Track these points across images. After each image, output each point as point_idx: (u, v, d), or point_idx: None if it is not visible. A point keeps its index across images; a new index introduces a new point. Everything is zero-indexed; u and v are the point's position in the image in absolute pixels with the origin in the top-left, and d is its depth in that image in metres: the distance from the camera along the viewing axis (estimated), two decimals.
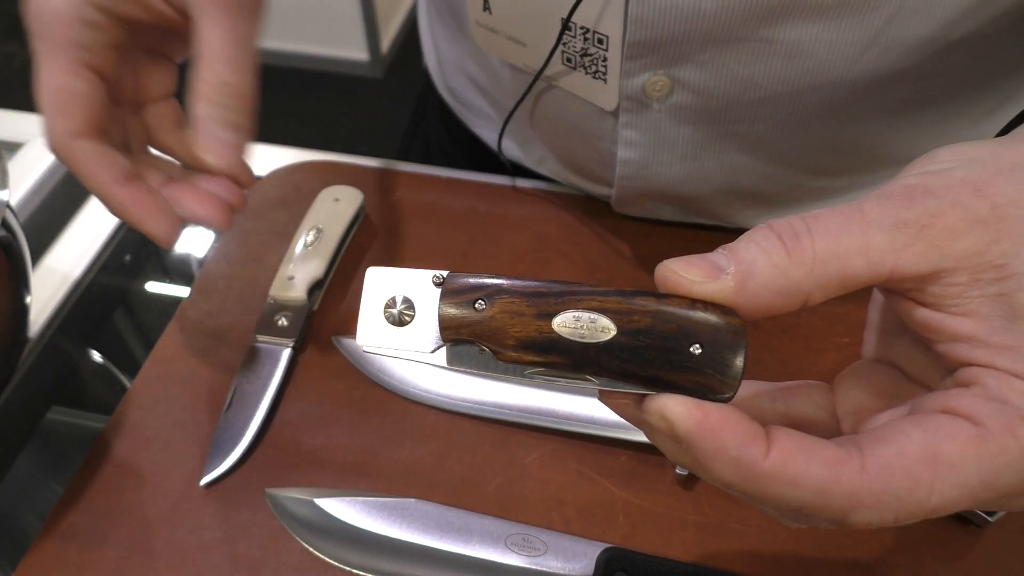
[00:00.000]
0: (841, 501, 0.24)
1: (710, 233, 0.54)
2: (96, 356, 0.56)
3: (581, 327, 0.25)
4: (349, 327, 0.51)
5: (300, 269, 0.51)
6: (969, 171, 0.26)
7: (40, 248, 0.56)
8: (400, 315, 0.27)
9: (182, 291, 0.58)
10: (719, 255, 0.25)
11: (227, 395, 0.47)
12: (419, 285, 0.27)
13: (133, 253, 0.58)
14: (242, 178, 0.40)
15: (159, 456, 0.45)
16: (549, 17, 0.45)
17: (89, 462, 0.45)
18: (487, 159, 0.61)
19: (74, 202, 0.59)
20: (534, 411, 0.45)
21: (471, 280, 0.27)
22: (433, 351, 0.27)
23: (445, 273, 0.27)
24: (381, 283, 0.28)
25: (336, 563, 0.41)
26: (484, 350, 0.27)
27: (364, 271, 0.28)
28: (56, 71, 0.38)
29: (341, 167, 0.60)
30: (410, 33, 2.34)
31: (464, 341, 0.27)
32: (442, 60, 0.61)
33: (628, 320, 0.25)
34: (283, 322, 0.50)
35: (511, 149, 0.59)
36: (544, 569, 0.39)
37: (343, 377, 0.48)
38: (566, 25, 0.44)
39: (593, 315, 0.25)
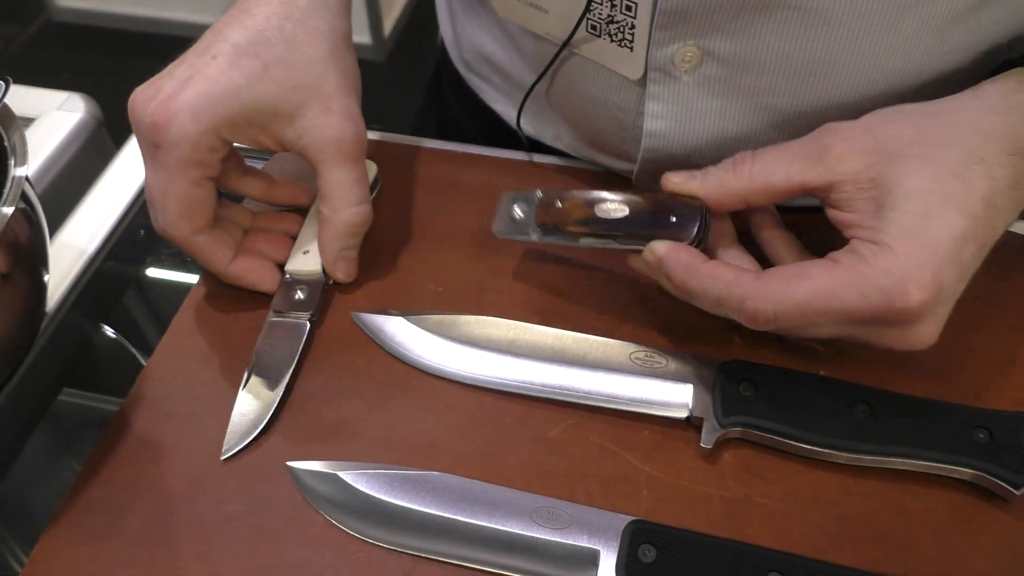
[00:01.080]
0: (740, 290, 0.39)
1: None
2: (110, 333, 0.55)
3: (610, 210, 0.44)
4: (366, 301, 0.50)
5: (315, 243, 0.50)
6: (870, 118, 0.41)
7: (54, 224, 0.55)
8: (515, 216, 0.48)
9: (191, 271, 0.57)
10: (695, 172, 0.43)
11: (246, 369, 0.47)
12: (526, 199, 0.48)
13: (146, 228, 0.58)
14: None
15: (179, 430, 0.45)
16: None
17: (108, 436, 0.45)
18: (503, 135, 0.60)
19: (87, 177, 0.59)
20: (556, 387, 0.45)
21: (553, 192, 0.47)
22: (531, 232, 0.47)
23: (540, 193, 0.47)
24: (506, 200, 0.48)
25: (359, 536, 0.41)
26: (558, 228, 0.46)
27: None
28: (181, 182, 0.45)
29: None
30: (412, 16, 2.33)
31: (549, 225, 0.46)
32: (458, 34, 0.61)
33: (635, 204, 0.44)
34: (300, 296, 0.49)
35: (528, 125, 0.58)
36: (570, 542, 0.39)
37: (362, 351, 0.48)
38: None
39: (616, 204, 0.44)
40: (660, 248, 0.42)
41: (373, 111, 0.59)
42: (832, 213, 0.41)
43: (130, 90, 0.45)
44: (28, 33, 2.23)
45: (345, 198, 0.47)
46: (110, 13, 2.18)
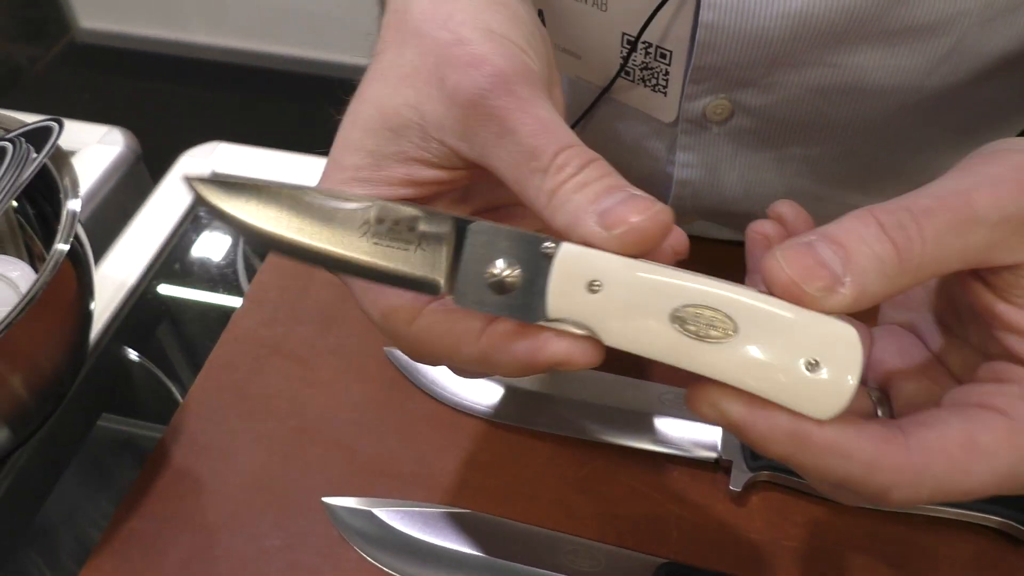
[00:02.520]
0: (885, 477, 0.26)
1: None
2: (146, 364, 0.57)
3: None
4: None
5: None
6: None
7: (95, 256, 0.57)
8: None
9: (228, 300, 0.58)
10: (831, 255, 0.25)
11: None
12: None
13: (181, 262, 0.59)
14: None
15: (216, 464, 0.46)
16: (608, 30, 0.45)
17: (147, 469, 0.46)
18: None
19: (125, 210, 0.60)
20: (586, 427, 0.46)
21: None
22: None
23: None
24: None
25: (394, 573, 0.41)
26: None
27: None
28: None
29: None
30: None
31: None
32: None
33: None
34: None
35: None
36: None
37: (395, 387, 0.49)
38: (636, 44, 0.44)
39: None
40: (735, 410, 0.26)
41: None
42: (989, 300, 0.27)
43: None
44: (51, 54, 2.27)
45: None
46: (134, 35, 2.21)
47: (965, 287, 0.28)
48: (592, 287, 0.26)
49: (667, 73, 0.46)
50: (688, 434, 0.45)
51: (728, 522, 0.43)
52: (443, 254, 0.27)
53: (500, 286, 0.26)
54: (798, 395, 0.25)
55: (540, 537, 0.42)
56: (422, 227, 0.27)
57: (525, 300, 0.26)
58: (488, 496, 0.44)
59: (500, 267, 0.26)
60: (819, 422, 0.25)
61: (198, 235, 0.60)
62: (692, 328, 0.25)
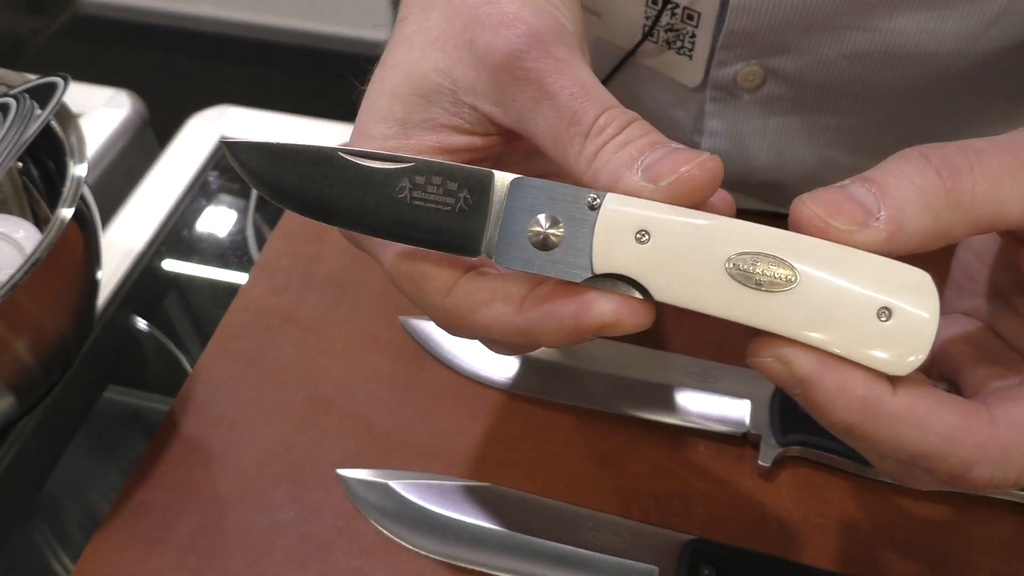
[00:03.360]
0: (967, 452, 0.23)
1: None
2: (155, 332, 0.55)
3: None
4: (413, 307, 0.50)
5: None
6: None
7: (101, 221, 0.55)
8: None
9: (238, 267, 0.57)
10: (864, 191, 0.23)
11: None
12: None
13: (190, 228, 0.58)
14: None
15: (228, 435, 0.45)
16: None
17: (157, 439, 0.45)
18: None
19: (132, 175, 0.58)
20: (609, 400, 0.44)
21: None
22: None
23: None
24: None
25: (411, 547, 0.40)
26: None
27: None
28: None
29: None
30: None
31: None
32: None
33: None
34: None
35: None
36: (629, 561, 0.38)
37: (412, 359, 0.47)
38: (663, 4, 0.42)
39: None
40: (799, 359, 0.24)
41: None
42: None
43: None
44: (55, 26, 2.24)
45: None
46: (137, 7, 2.19)
47: None
48: (640, 237, 0.24)
49: (694, 36, 0.44)
50: (714, 408, 0.44)
51: (755, 499, 0.42)
52: (485, 211, 0.26)
53: (544, 242, 0.25)
54: (871, 347, 0.23)
55: (562, 512, 0.41)
56: (463, 184, 0.26)
57: (569, 255, 0.25)
58: (508, 470, 0.43)
59: (543, 222, 0.25)
60: (893, 388, 0.23)
61: (208, 201, 0.59)
62: (749, 277, 0.24)
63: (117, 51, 2.09)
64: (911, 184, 0.23)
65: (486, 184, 0.26)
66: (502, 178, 0.26)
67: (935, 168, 0.23)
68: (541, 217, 0.25)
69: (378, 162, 0.27)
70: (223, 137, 0.26)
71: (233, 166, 0.29)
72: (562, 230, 0.25)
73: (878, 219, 0.23)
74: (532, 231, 0.25)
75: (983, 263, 0.29)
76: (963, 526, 0.41)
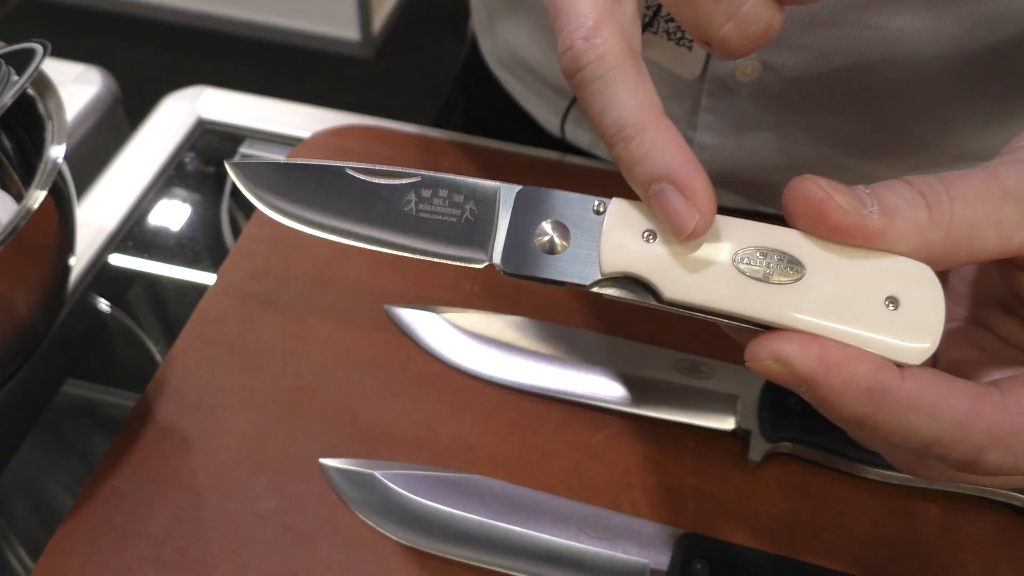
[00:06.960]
0: (980, 437, 0.23)
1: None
2: (122, 319, 0.53)
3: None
4: (399, 296, 0.49)
5: None
6: None
7: None
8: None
9: (213, 253, 0.55)
10: (860, 191, 0.24)
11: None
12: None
13: (163, 212, 0.56)
14: None
15: (205, 421, 0.43)
16: None
17: (129, 425, 0.43)
18: (533, 135, 0.59)
19: (101, 156, 0.56)
20: (598, 394, 0.44)
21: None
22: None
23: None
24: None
25: (396, 539, 0.39)
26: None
27: None
28: None
29: (388, 133, 0.58)
30: (404, 13, 2.31)
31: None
32: (496, 30, 0.60)
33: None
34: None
35: (566, 131, 0.57)
36: (620, 555, 0.38)
37: (397, 348, 0.46)
38: None
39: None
40: (805, 362, 0.23)
41: (355, 111, 0.58)
42: None
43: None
44: (6, 11, 2.17)
45: None
46: None
47: (1015, 284, 0.27)
48: (647, 237, 0.25)
49: None
50: (704, 403, 0.43)
51: (745, 494, 0.42)
52: (491, 221, 0.27)
53: (551, 247, 0.26)
54: (882, 335, 0.23)
55: (552, 505, 0.40)
56: (468, 196, 0.27)
57: (577, 258, 0.26)
58: (498, 462, 0.42)
59: (550, 228, 0.26)
60: (901, 375, 0.23)
61: (181, 184, 0.57)
62: (757, 271, 0.24)
63: (70, 38, 2.03)
64: (900, 197, 0.24)
65: (492, 195, 0.27)
66: (508, 189, 0.27)
67: (918, 190, 0.24)
68: (547, 224, 0.26)
69: (384, 178, 0.28)
70: (228, 160, 0.27)
71: (239, 187, 0.29)
72: (569, 234, 0.26)
73: (871, 211, 0.24)
74: (539, 237, 0.26)
75: (980, 268, 0.30)
76: (951, 524, 0.41)
